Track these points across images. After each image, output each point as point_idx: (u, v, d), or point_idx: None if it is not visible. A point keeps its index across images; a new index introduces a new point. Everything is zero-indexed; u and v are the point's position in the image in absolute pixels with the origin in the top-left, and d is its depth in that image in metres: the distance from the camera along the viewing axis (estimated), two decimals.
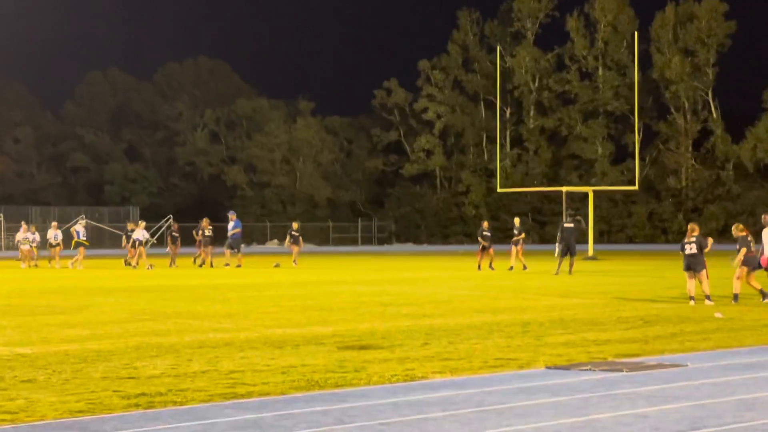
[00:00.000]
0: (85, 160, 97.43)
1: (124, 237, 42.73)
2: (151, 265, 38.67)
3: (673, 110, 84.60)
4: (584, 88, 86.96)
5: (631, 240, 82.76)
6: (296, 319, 17.31)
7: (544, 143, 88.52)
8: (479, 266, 36.80)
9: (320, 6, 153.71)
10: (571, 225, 34.52)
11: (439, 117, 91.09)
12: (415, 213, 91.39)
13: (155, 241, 65.96)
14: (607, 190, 74.35)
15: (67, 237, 43.55)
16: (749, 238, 20.84)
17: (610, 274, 33.53)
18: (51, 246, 42.55)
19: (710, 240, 20.70)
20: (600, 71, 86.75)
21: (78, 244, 40.98)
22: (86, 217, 49.96)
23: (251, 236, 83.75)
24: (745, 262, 20.57)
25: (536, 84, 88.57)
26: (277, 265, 40.52)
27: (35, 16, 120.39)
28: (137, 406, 8.97)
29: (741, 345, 13.57)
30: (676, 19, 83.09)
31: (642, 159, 76.45)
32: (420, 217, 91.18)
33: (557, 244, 34.17)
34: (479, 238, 37.13)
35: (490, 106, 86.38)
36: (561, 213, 53.60)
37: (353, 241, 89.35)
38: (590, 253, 48.89)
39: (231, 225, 40.73)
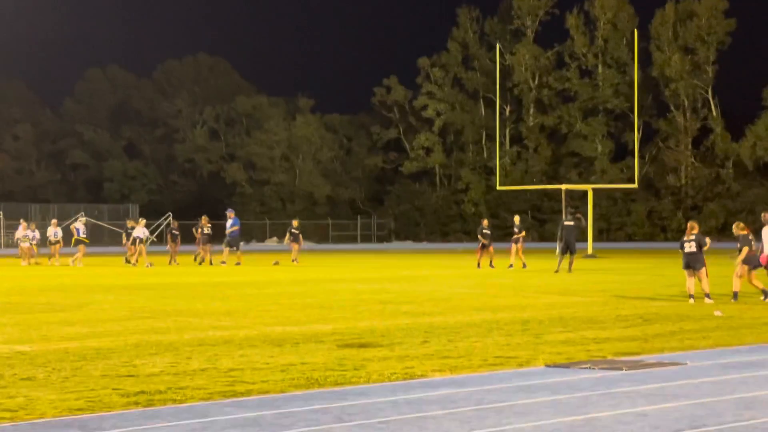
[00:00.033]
0: (84, 157, 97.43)
1: (124, 234, 42.72)
2: (150, 263, 38.66)
3: (672, 108, 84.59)
4: (584, 85, 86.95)
5: (630, 238, 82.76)
6: (296, 317, 17.31)
7: (544, 141, 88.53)
8: (479, 264, 36.80)
9: (320, 3, 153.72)
10: (572, 223, 34.54)
11: (438, 114, 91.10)
12: (414, 211, 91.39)
13: (155, 239, 66.00)
14: (607, 188, 74.35)
15: (67, 234, 43.54)
16: (750, 237, 20.85)
17: (609, 272, 33.53)
18: (51, 243, 42.54)
19: (708, 240, 20.67)
20: (600, 69, 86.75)
21: (78, 242, 40.97)
22: (85, 215, 49.91)
23: (251, 234, 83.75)
24: (745, 261, 20.57)
25: (536, 82, 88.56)
26: (277, 263, 40.52)
27: (35, 13, 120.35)
28: (137, 404, 8.97)
29: (740, 343, 13.57)
30: (676, 17, 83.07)
31: (641, 157, 76.45)
32: (419, 215, 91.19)
33: (558, 242, 34.20)
34: (479, 236, 37.13)
35: (490, 103, 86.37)
36: (560, 211, 53.58)
37: (352, 239, 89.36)
38: (589, 251, 48.89)
39: (229, 223, 40.71)
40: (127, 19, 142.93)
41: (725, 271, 26.04)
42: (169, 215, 69.90)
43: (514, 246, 37.32)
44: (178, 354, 12.30)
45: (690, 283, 20.39)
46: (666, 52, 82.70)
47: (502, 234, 62.32)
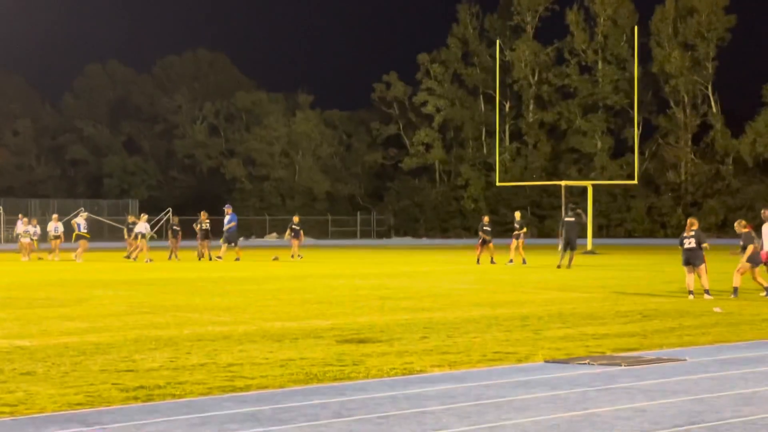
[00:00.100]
0: (84, 152, 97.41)
1: (125, 230, 42.70)
2: (150, 259, 38.66)
3: (672, 104, 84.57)
4: (584, 82, 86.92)
5: (630, 234, 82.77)
6: (295, 312, 17.32)
7: (544, 137, 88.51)
8: (478, 260, 36.81)
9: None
10: (572, 219, 34.56)
11: (438, 111, 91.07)
12: (414, 207, 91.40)
13: (155, 235, 65.96)
14: (607, 184, 74.37)
15: (68, 229, 43.53)
16: (752, 234, 20.86)
17: (608, 269, 33.54)
18: (52, 238, 42.51)
19: (707, 245, 20.60)
20: (599, 65, 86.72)
21: (79, 237, 40.93)
22: (85, 210, 49.87)
23: (250, 229, 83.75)
24: (748, 259, 20.57)
25: (536, 78, 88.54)
26: (276, 259, 40.52)
27: (34, 8, 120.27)
28: (136, 398, 8.97)
29: (740, 339, 13.58)
30: (676, 13, 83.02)
31: (641, 153, 76.48)
32: (419, 211, 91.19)
33: (560, 238, 34.25)
34: (480, 233, 37.12)
35: (490, 99, 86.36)
36: (560, 207, 53.61)
37: (352, 235, 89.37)
38: (589, 247, 48.91)
39: (227, 219, 40.67)
40: (127, 14, 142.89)
41: (725, 268, 26.06)
42: (169, 211, 69.95)
43: (514, 241, 37.33)
44: (177, 349, 12.30)
45: (689, 280, 20.39)
46: (666, 49, 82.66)
47: (502, 230, 62.31)
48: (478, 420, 8.01)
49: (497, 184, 64.01)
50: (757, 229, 21.71)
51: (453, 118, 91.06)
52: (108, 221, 74.17)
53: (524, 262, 36.29)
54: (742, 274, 20.72)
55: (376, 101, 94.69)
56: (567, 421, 7.96)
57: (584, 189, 56.68)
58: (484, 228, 36.88)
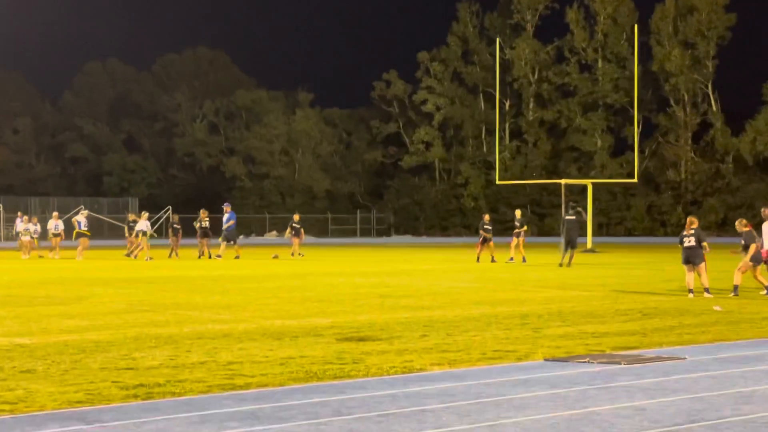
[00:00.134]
0: (84, 150, 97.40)
1: (126, 228, 42.73)
2: (150, 257, 38.66)
3: (672, 103, 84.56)
4: (584, 80, 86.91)
5: (630, 233, 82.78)
6: (295, 310, 17.32)
7: (544, 135, 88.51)
8: (478, 258, 36.82)
9: None
10: (573, 217, 34.58)
11: (438, 109, 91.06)
12: (414, 205, 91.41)
13: (154, 234, 65.99)
14: (606, 182, 74.36)
15: (68, 227, 43.53)
16: (753, 233, 20.86)
17: (608, 267, 33.54)
18: (52, 236, 42.50)
19: (706, 245, 20.58)
20: (600, 63, 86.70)
21: (79, 235, 40.92)
22: (85, 208, 49.85)
23: (250, 227, 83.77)
24: (750, 258, 20.57)
25: (536, 76, 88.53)
26: (276, 257, 40.52)
27: (34, 7, 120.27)
28: (136, 396, 8.97)
29: (740, 338, 13.58)
30: (676, 12, 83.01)
31: (641, 152, 76.48)
32: (419, 209, 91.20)
33: (562, 237, 34.31)
34: (481, 231, 37.12)
35: (490, 98, 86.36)
36: (560, 205, 53.60)
37: (352, 233, 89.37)
38: (589, 245, 48.92)
39: (225, 217, 40.65)
40: (127, 12, 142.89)
41: (725, 266, 26.06)
42: (169, 209, 69.92)
43: (514, 239, 37.33)
44: (177, 347, 12.30)
45: (689, 278, 20.39)
46: (666, 47, 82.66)
47: (502, 229, 62.34)
48: (478, 418, 8.01)
49: (497, 182, 64.02)
50: (758, 228, 21.71)
51: (453, 117, 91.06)
52: (108, 219, 74.17)
53: (524, 260, 36.29)
54: (743, 272, 20.72)
55: (376, 99, 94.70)
56: (566, 420, 7.96)
57: (584, 187, 56.68)
58: (485, 226, 36.88)
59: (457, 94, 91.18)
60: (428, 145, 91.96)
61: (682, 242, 20.61)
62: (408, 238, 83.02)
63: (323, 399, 8.83)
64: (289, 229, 44.25)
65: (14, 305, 18.31)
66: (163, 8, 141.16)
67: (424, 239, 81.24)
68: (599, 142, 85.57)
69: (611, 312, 17.05)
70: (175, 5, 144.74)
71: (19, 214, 46.33)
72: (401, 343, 12.77)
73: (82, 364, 10.91)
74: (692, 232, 20.49)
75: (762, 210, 21.91)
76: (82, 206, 50.72)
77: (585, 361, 11.14)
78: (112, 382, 9.74)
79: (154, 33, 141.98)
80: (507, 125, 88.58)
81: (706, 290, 20.20)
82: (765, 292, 20.63)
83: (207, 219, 41.41)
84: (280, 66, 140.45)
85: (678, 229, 44.02)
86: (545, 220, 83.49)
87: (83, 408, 8.45)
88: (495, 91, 68.58)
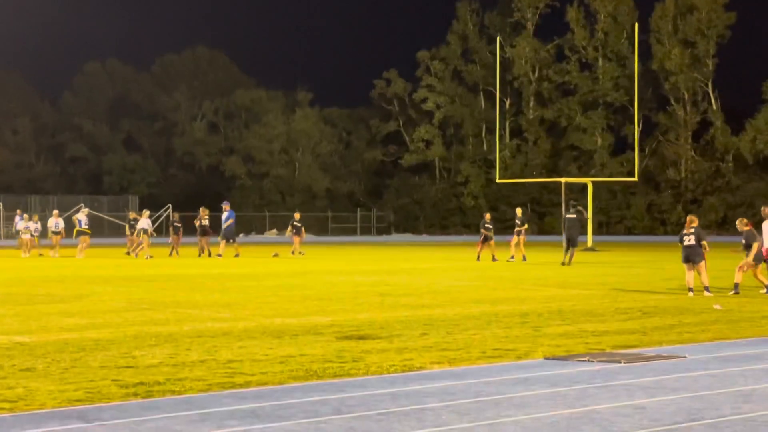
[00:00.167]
0: (83, 150, 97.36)
1: (127, 226, 42.72)
2: (150, 255, 38.66)
3: (672, 101, 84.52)
4: (584, 79, 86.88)
5: (630, 231, 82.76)
6: (295, 308, 17.32)
7: (544, 134, 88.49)
8: (478, 257, 36.81)
9: None
10: (574, 216, 34.59)
11: (438, 107, 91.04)
12: (413, 204, 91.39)
13: (154, 233, 65.94)
14: (607, 181, 74.35)
15: (68, 226, 43.53)
16: (754, 232, 20.86)
17: (608, 266, 33.54)
18: (53, 234, 42.50)
19: (705, 244, 20.57)
20: (600, 62, 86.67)
21: (80, 233, 40.92)
22: (85, 206, 49.80)
23: (250, 226, 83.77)
24: (753, 258, 20.56)
25: (536, 75, 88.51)
26: (276, 255, 40.52)
27: (34, 6, 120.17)
28: (135, 395, 8.97)
29: (739, 336, 13.58)
30: (676, 10, 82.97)
31: (641, 150, 76.42)
32: (419, 208, 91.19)
33: (564, 235, 34.37)
34: (482, 230, 37.11)
35: (490, 96, 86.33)
36: (560, 204, 53.60)
37: (352, 232, 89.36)
38: (589, 244, 48.92)
39: (224, 216, 40.65)
40: (126, 12, 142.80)
41: (725, 265, 26.05)
42: (169, 207, 69.91)
43: (515, 238, 37.32)
44: (177, 345, 12.30)
45: (689, 277, 20.40)
46: (666, 46, 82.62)
47: (502, 227, 62.31)
48: (478, 417, 8.01)
49: (497, 181, 63.99)
50: (757, 227, 21.72)
51: (453, 115, 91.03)
52: (108, 217, 74.15)
53: (524, 258, 36.28)
54: (744, 271, 20.72)
55: (376, 98, 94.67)
56: (566, 418, 7.96)
57: (584, 186, 56.65)
58: (486, 225, 36.86)
59: (457, 93, 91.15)
60: (428, 144, 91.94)
61: (682, 241, 20.61)
62: (408, 237, 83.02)
63: (323, 397, 8.83)
64: (290, 228, 44.27)
65: (14, 303, 18.31)
66: (162, 8, 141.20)
67: (424, 238, 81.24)
68: (599, 141, 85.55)
69: (611, 311, 17.05)
70: (174, 5, 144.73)
71: (18, 211, 46.30)
72: (401, 341, 12.77)
73: (82, 362, 10.91)
74: (692, 230, 20.49)
75: (762, 209, 21.92)
76: (83, 204, 50.73)
77: (585, 360, 11.14)
78: (112, 380, 9.74)
79: (154, 33, 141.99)
80: (507, 124, 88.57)
81: (706, 289, 20.20)
82: (765, 290, 20.65)
83: (207, 217, 41.41)
84: (280, 65, 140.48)
85: (678, 228, 44.05)
86: (545, 218, 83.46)
87: (83, 406, 8.45)
88: (495, 89, 68.57)
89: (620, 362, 10.96)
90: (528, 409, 8.30)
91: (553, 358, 11.30)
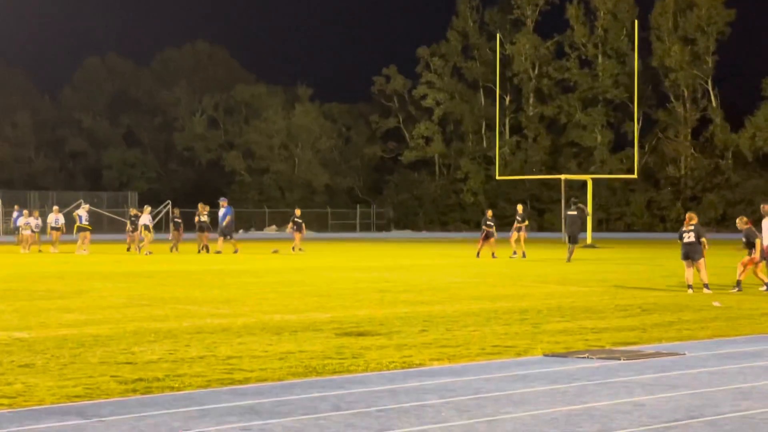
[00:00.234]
0: (83, 145, 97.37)
1: (129, 222, 42.71)
2: (149, 251, 38.65)
3: (672, 98, 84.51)
4: (584, 75, 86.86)
5: (629, 228, 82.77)
6: (294, 305, 17.32)
7: (543, 131, 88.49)
8: (478, 254, 36.79)
9: None
10: (575, 212, 34.59)
11: (438, 104, 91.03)
12: (413, 200, 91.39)
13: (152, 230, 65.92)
14: (606, 178, 74.35)
15: (69, 221, 43.49)
16: (754, 230, 20.85)
17: (608, 262, 33.54)
18: (52, 229, 42.49)
19: (705, 240, 20.55)
20: (599, 59, 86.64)
21: (80, 229, 40.90)
22: (85, 202, 49.85)
23: (249, 222, 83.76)
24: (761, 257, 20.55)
25: (536, 71, 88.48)
26: (276, 251, 40.51)
27: (34, 1, 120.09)
28: (134, 391, 8.97)
29: (739, 334, 13.58)
30: (676, 7, 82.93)
31: (641, 147, 76.42)
32: (418, 204, 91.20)
33: (566, 232, 34.42)
34: (483, 227, 37.07)
35: (490, 93, 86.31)
36: (560, 201, 53.64)
37: (352, 228, 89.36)
38: (589, 241, 48.93)
39: (222, 212, 40.57)
40: (126, 7, 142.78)
41: (724, 262, 26.07)
42: (168, 203, 69.90)
43: (515, 234, 37.29)
44: (176, 341, 12.30)
45: (689, 274, 20.40)
46: (666, 43, 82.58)
47: (501, 224, 62.29)
48: (477, 413, 8.01)
49: (497, 177, 64.01)
50: (757, 224, 21.70)
51: (453, 112, 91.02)
52: (108, 213, 74.14)
53: (524, 255, 36.28)
54: (747, 268, 20.70)
55: (376, 94, 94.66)
56: (566, 415, 7.95)
57: (584, 183, 56.65)
58: (488, 222, 36.82)
59: (457, 89, 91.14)
60: (428, 140, 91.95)
61: (681, 238, 20.61)
62: (407, 233, 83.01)
63: (322, 394, 8.82)
64: (290, 224, 44.23)
65: (13, 299, 18.31)
66: (162, 3, 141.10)
67: (424, 234, 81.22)
68: (599, 138, 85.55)
69: (611, 307, 17.05)
70: (174, 0, 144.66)
71: (16, 207, 46.28)
72: (400, 338, 12.77)
73: (81, 358, 10.91)
74: (691, 227, 20.49)
75: (762, 206, 21.89)
76: (82, 200, 50.72)
77: (584, 357, 11.14)
78: (111, 376, 9.74)
79: (154, 28, 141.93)
80: (507, 120, 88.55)
81: (706, 286, 20.20)
82: (764, 288, 20.64)
83: (206, 213, 41.38)
84: (280, 61, 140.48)
85: (677, 225, 44.07)
86: (545, 215, 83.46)
87: (82, 402, 8.44)
88: (495, 86, 68.54)
89: (620, 359, 10.96)
90: (527, 406, 8.30)
91: (553, 355, 11.30)
